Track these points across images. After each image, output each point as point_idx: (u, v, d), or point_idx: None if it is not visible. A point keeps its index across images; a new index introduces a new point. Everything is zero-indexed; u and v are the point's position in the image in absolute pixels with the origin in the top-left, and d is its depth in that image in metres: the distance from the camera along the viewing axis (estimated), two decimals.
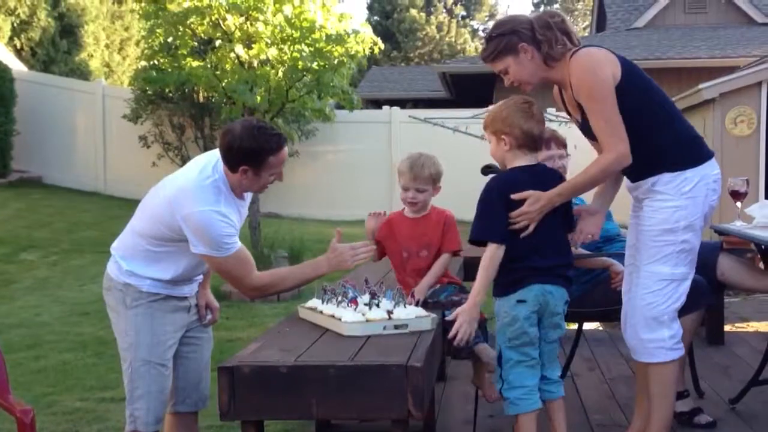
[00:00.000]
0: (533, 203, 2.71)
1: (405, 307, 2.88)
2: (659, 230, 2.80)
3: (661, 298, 2.81)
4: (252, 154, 2.69)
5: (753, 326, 5.70)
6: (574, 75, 2.76)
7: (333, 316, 2.86)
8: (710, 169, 2.85)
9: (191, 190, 2.71)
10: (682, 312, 3.39)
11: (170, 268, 2.80)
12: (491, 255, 2.72)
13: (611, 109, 2.72)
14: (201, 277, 2.99)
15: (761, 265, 4.05)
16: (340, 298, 2.93)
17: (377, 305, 2.85)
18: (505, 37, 2.83)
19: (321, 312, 2.96)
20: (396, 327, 2.77)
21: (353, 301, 2.88)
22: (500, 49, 2.84)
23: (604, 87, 2.72)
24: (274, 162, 2.75)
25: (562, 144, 3.91)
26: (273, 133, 2.76)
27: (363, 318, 2.77)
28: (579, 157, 3.98)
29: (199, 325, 3.01)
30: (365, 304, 2.88)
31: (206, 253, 2.70)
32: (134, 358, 2.77)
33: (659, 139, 2.82)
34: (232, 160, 2.72)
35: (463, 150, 11.82)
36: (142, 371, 2.77)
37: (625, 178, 2.97)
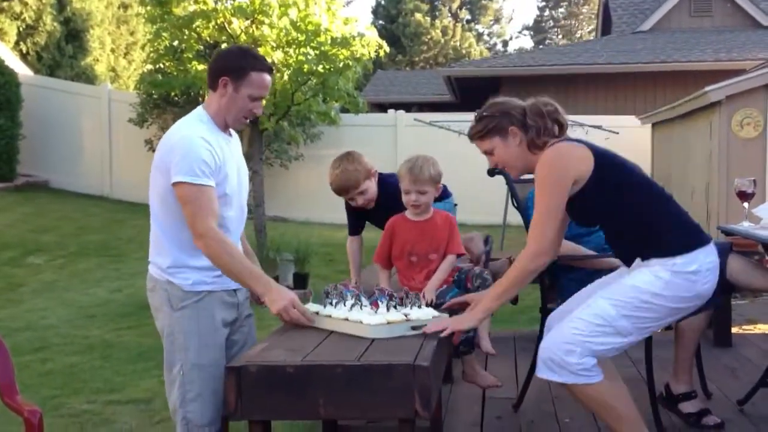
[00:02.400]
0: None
1: (420, 308, 2.88)
2: (633, 283, 2.70)
3: (588, 331, 2.65)
4: (234, 65, 2.77)
5: (760, 328, 5.69)
6: (537, 165, 2.76)
7: (347, 320, 2.84)
8: (704, 256, 2.72)
9: (174, 128, 2.79)
10: (691, 313, 3.39)
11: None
12: None
13: (547, 205, 2.68)
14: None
15: None
16: (353, 301, 2.91)
17: (395, 307, 2.84)
18: (497, 118, 2.84)
19: (330, 316, 2.93)
20: (415, 328, 2.77)
21: (374, 303, 2.85)
22: (489, 129, 2.85)
23: (552, 181, 2.69)
24: (256, 80, 2.77)
25: None
26: (261, 56, 2.86)
27: (384, 320, 2.76)
28: None
29: (248, 316, 2.96)
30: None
31: (181, 179, 2.64)
32: (184, 361, 2.73)
33: (641, 231, 2.74)
34: (217, 71, 2.80)
35: (468, 153, 11.80)
36: (194, 375, 2.72)
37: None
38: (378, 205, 3.69)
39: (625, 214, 2.75)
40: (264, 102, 2.95)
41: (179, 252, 2.74)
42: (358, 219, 3.86)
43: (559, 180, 2.68)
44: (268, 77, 2.81)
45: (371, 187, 3.65)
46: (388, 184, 3.66)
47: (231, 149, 2.86)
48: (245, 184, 2.97)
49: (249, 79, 2.76)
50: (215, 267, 2.74)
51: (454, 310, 3.14)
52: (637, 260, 2.73)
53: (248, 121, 2.92)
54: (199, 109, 2.85)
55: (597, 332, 2.65)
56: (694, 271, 2.66)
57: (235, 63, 2.78)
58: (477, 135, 2.90)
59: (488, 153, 2.89)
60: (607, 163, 2.74)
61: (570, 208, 2.77)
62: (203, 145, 2.69)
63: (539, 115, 2.79)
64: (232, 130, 2.95)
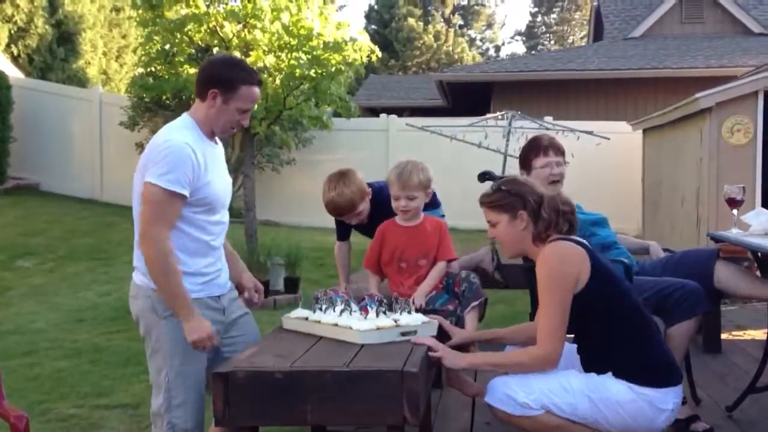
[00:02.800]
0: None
1: (410, 313, 2.88)
2: (606, 383, 2.69)
3: (552, 387, 2.66)
4: (224, 78, 2.76)
5: (750, 334, 5.70)
6: (538, 261, 2.74)
7: (336, 325, 2.83)
8: (673, 396, 2.70)
9: (160, 132, 2.79)
10: (680, 319, 3.40)
11: (180, 239, 2.74)
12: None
13: (556, 305, 2.65)
14: (222, 265, 2.94)
15: (758, 273, 4.05)
16: (343, 307, 2.90)
17: (384, 312, 2.84)
18: (512, 197, 2.81)
19: (319, 321, 2.92)
20: (405, 334, 2.77)
21: (364, 309, 2.85)
22: (501, 204, 2.83)
23: (556, 281, 2.67)
24: (246, 94, 2.77)
25: (560, 152, 3.92)
26: (250, 68, 2.85)
27: (374, 326, 2.76)
28: (576, 166, 3.98)
29: (241, 316, 2.98)
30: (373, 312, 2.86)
31: (154, 181, 2.64)
32: (170, 368, 2.75)
33: (621, 351, 2.72)
34: (205, 82, 2.78)
35: (460, 158, 11.83)
36: (180, 381, 2.75)
37: None
38: (369, 218, 3.66)
39: (609, 329, 2.73)
40: (255, 107, 2.95)
41: None
42: (346, 225, 3.84)
43: (564, 283, 2.67)
44: (257, 90, 2.81)
45: (366, 208, 3.61)
46: (379, 195, 3.62)
47: (215, 156, 2.87)
48: (229, 191, 2.96)
49: (239, 93, 2.76)
50: (198, 274, 2.77)
51: (445, 317, 3.15)
52: (610, 373, 2.71)
53: (234, 130, 2.91)
54: (185, 116, 2.85)
55: (559, 393, 2.66)
56: (661, 409, 2.67)
57: (225, 75, 2.77)
58: (488, 204, 2.88)
59: (491, 224, 2.88)
60: (604, 278, 2.73)
61: None
62: (188, 153, 2.68)
63: (555, 210, 2.77)
64: (217, 138, 2.95)
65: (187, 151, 2.68)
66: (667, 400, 2.68)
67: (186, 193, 2.68)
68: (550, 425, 2.67)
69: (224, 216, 2.91)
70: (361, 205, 3.57)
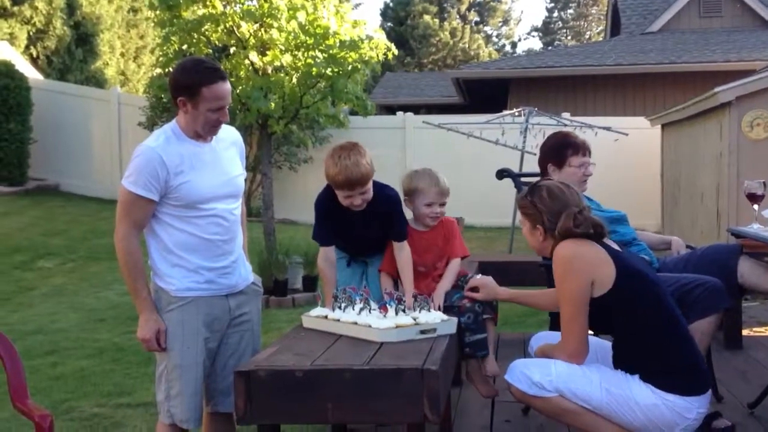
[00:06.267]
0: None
1: (429, 311, 2.89)
2: (630, 382, 2.69)
3: (571, 374, 2.68)
4: (186, 85, 2.80)
5: None
6: (554, 259, 2.75)
7: (356, 324, 2.85)
8: (699, 405, 2.68)
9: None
10: (701, 315, 3.38)
11: (173, 235, 2.86)
12: None
13: (570, 302, 2.69)
14: (233, 263, 2.97)
15: None
16: (362, 305, 2.91)
17: (403, 311, 2.85)
18: (533, 208, 2.86)
19: (338, 320, 2.94)
20: (424, 332, 2.78)
21: (383, 307, 2.86)
22: (525, 212, 2.92)
23: (567, 277, 2.69)
24: (208, 95, 2.77)
25: (590, 152, 3.93)
26: (209, 66, 2.83)
27: (393, 324, 2.77)
28: (594, 162, 3.96)
29: (246, 322, 3.04)
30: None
31: (124, 183, 2.83)
32: (168, 361, 2.88)
33: (652, 357, 2.71)
34: (172, 91, 2.86)
35: (477, 155, 11.81)
36: (176, 375, 2.86)
37: None
38: (364, 211, 3.26)
39: (640, 333, 2.72)
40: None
41: (161, 260, 2.90)
42: (331, 223, 3.33)
43: (575, 279, 2.68)
44: (221, 86, 2.79)
45: (371, 188, 3.24)
46: (385, 195, 3.32)
47: (202, 156, 2.88)
48: (225, 185, 2.94)
49: (202, 96, 2.77)
50: (200, 270, 2.87)
51: (462, 314, 3.15)
52: (637, 376, 2.70)
53: (220, 127, 2.91)
54: (173, 121, 2.92)
55: (576, 380, 2.67)
56: (684, 417, 2.66)
57: (185, 82, 2.80)
58: (518, 206, 2.98)
59: (521, 222, 2.97)
60: (633, 281, 2.72)
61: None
62: (154, 159, 2.77)
63: (568, 231, 2.76)
64: (229, 133, 3.01)
65: (152, 156, 2.78)
66: (691, 409, 2.66)
67: (150, 196, 2.79)
68: (562, 408, 2.69)
69: (218, 210, 2.89)
70: (370, 180, 3.21)
